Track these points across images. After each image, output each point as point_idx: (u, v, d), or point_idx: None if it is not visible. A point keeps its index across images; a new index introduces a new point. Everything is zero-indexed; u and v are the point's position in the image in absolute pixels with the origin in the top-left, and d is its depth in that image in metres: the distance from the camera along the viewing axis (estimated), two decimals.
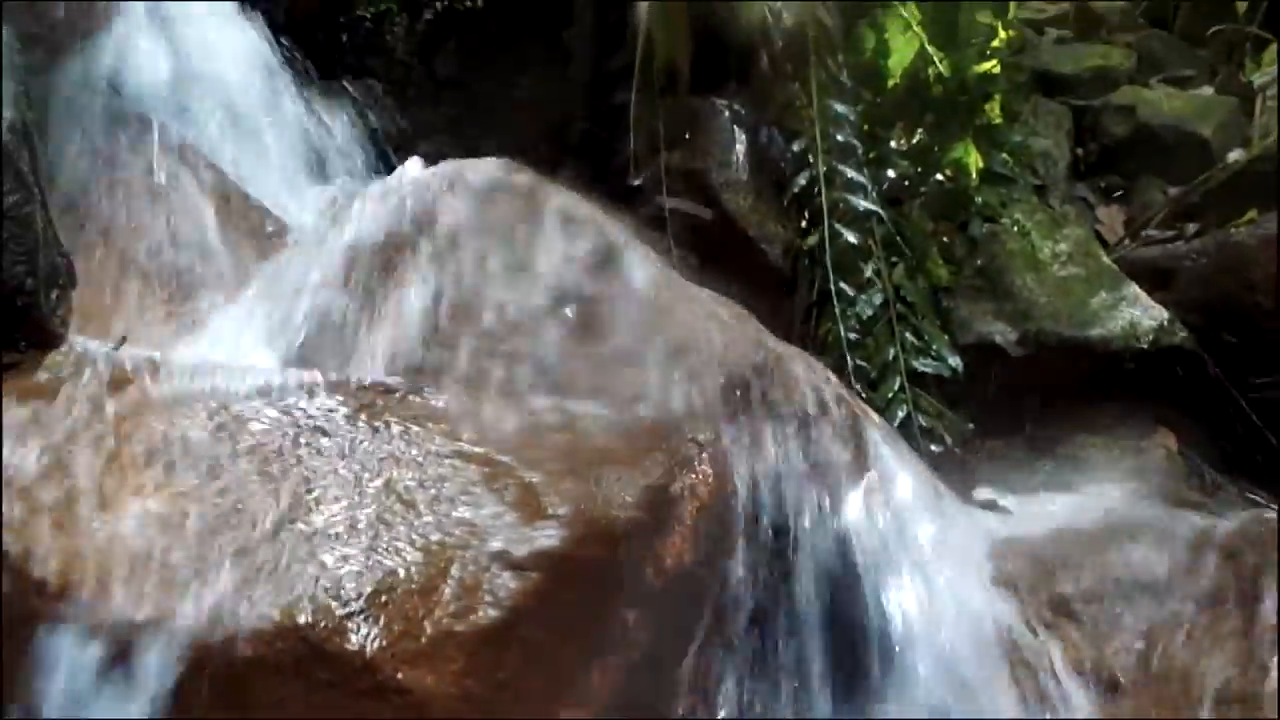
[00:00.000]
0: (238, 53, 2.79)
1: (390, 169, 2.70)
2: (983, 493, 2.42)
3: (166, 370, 1.75)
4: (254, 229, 2.47)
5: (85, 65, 2.41)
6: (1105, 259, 3.06)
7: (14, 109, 1.72)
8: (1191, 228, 3.37)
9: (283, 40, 2.93)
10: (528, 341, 1.95)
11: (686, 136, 2.68)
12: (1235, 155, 3.62)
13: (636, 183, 2.61)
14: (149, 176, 2.43)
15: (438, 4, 3.00)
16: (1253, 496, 2.68)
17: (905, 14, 2.68)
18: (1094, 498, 2.44)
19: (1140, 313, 2.84)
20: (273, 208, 2.57)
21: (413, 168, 2.20)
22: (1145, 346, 2.80)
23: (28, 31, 2.12)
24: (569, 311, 2.00)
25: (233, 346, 2.01)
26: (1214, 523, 2.13)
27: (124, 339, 1.87)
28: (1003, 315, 2.85)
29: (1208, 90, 4.15)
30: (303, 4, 3.05)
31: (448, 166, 2.14)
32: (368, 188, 2.50)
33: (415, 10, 3.01)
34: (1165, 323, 2.82)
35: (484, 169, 2.12)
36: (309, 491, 1.55)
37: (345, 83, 3.03)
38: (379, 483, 1.57)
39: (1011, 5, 3.60)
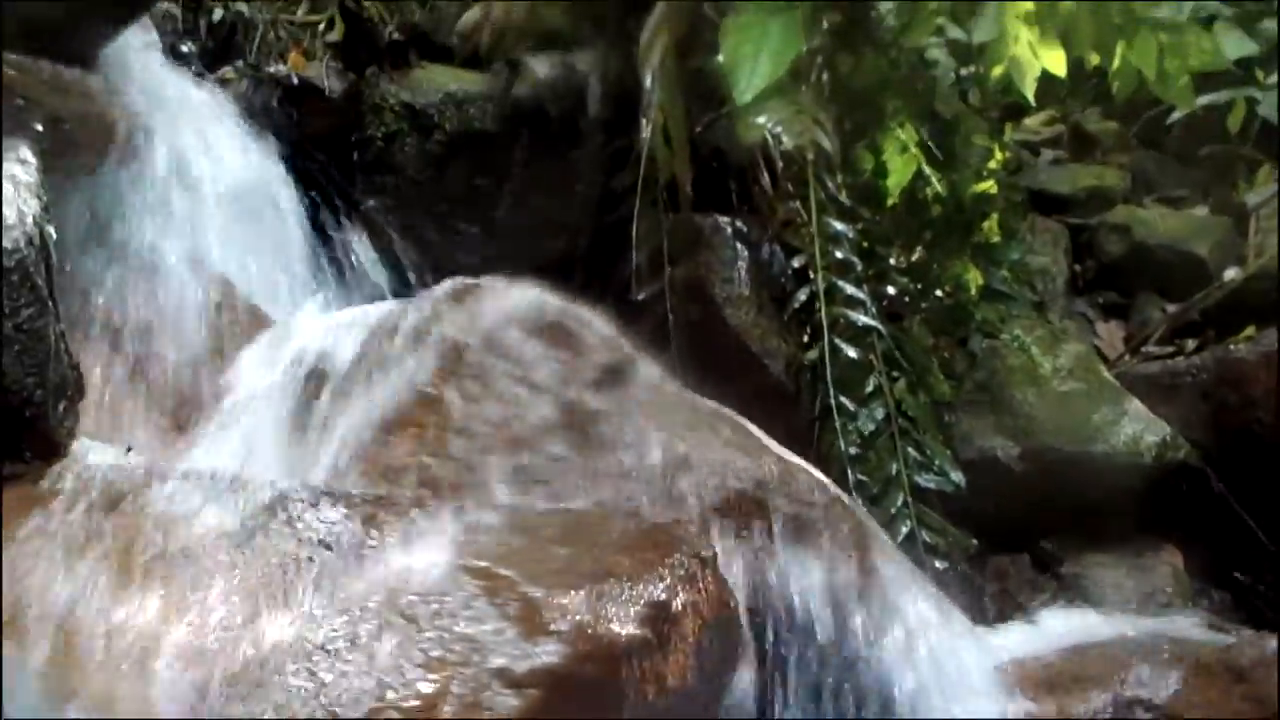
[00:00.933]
0: (250, 170, 2.86)
1: (400, 285, 2.76)
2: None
3: (169, 481, 1.75)
4: (260, 343, 2.49)
5: (103, 180, 2.47)
6: (1106, 374, 3.08)
7: (34, 224, 1.75)
8: (1191, 344, 3.40)
9: (295, 159, 3.01)
10: (531, 454, 1.96)
11: (690, 252, 2.72)
12: (1232, 273, 3.67)
13: (641, 297, 2.64)
14: (159, 288, 2.47)
15: (448, 125, 3.07)
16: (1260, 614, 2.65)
17: (903, 136, 2.75)
18: (1103, 617, 2.42)
19: (1142, 428, 2.84)
20: (281, 322, 2.60)
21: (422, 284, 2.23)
22: (1149, 462, 2.79)
23: (47, 148, 2.18)
24: (573, 425, 2.01)
25: (235, 457, 2.02)
26: (1224, 643, 2.10)
27: (129, 449, 1.88)
28: (1004, 430, 2.86)
29: (1202, 210, 4.23)
30: (315, 124, 3.13)
31: (455, 282, 2.18)
32: (375, 303, 2.54)
33: (426, 131, 3.09)
34: (1168, 438, 2.83)
35: (491, 284, 2.15)
36: (310, 605, 1.54)
37: (356, 200, 3.10)
38: (380, 597, 1.56)
39: (1007, 127, 3.71)
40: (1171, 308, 3.67)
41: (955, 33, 3.61)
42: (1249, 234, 3.96)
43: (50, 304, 1.78)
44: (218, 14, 3.54)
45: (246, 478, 1.85)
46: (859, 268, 2.62)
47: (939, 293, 2.82)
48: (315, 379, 2.12)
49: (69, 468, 1.74)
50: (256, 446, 2.03)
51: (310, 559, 1.63)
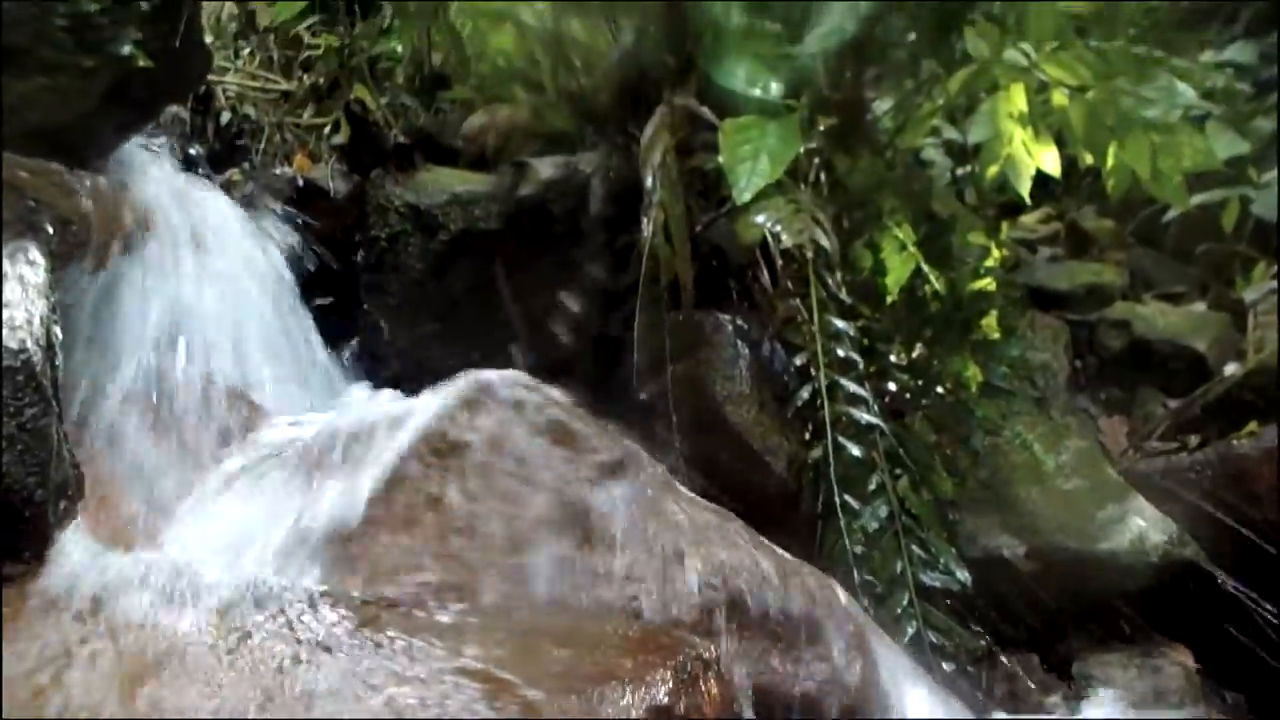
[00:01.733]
0: (254, 269, 2.89)
1: (402, 383, 2.76)
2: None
3: (165, 580, 1.74)
4: (260, 442, 2.49)
5: (109, 278, 2.49)
6: (1110, 471, 3.07)
7: (41, 324, 1.77)
8: (1194, 440, 3.39)
9: (299, 259, 3.05)
10: (532, 553, 1.94)
11: (691, 350, 2.73)
12: (1232, 369, 3.68)
13: (642, 395, 2.64)
14: (161, 381, 2.48)
15: (453, 225, 3.11)
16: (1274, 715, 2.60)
17: (900, 234, 2.77)
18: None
19: (1148, 526, 2.82)
20: (282, 418, 2.61)
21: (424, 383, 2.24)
22: (1156, 561, 2.77)
23: (56, 249, 2.21)
24: (574, 523, 2.00)
25: (232, 550, 2.01)
26: None
27: (127, 548, 1.87)
28: (1009, 528, 2.84)
29: (1200, 306, 4.25)
30: (319, 225, 3.17)
31: (457, 380, 2.18)
32: (377, 401, 2.55)
33: (431, 231, 3.13)
34: (1174, 536, 2.80)
35: (492, 383, 2.16)
36: (309, 709, 1.52)
37: (359, 299, 3.13)
38: (380, 700, 1.54)
39: (1004, 225, 3.75)
40: (1173, 403, 3.67)
41: (951, 133, 3.69)
42: (1248, 329, 3.98)
43: (54, 403, 1.78)
44: (225, 117, 3.61)
45: (242, 575, 1.83)
46: (860, 365, 2.63)
47: (940, 390, 2.82)
48: (315, 475, 2.11)
49: (64, 567, 1.73)
50: (254, 540, 2.01)
51: (309, 661, 1.61)
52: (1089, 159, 3.15)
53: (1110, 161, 3.03)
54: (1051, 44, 2.98)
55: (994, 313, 2.87)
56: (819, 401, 2.56)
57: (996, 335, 2.88)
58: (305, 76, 3.75)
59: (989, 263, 2.90)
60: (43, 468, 1.72)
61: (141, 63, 2.64)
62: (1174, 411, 3.61)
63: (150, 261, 2.59)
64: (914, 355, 2.81)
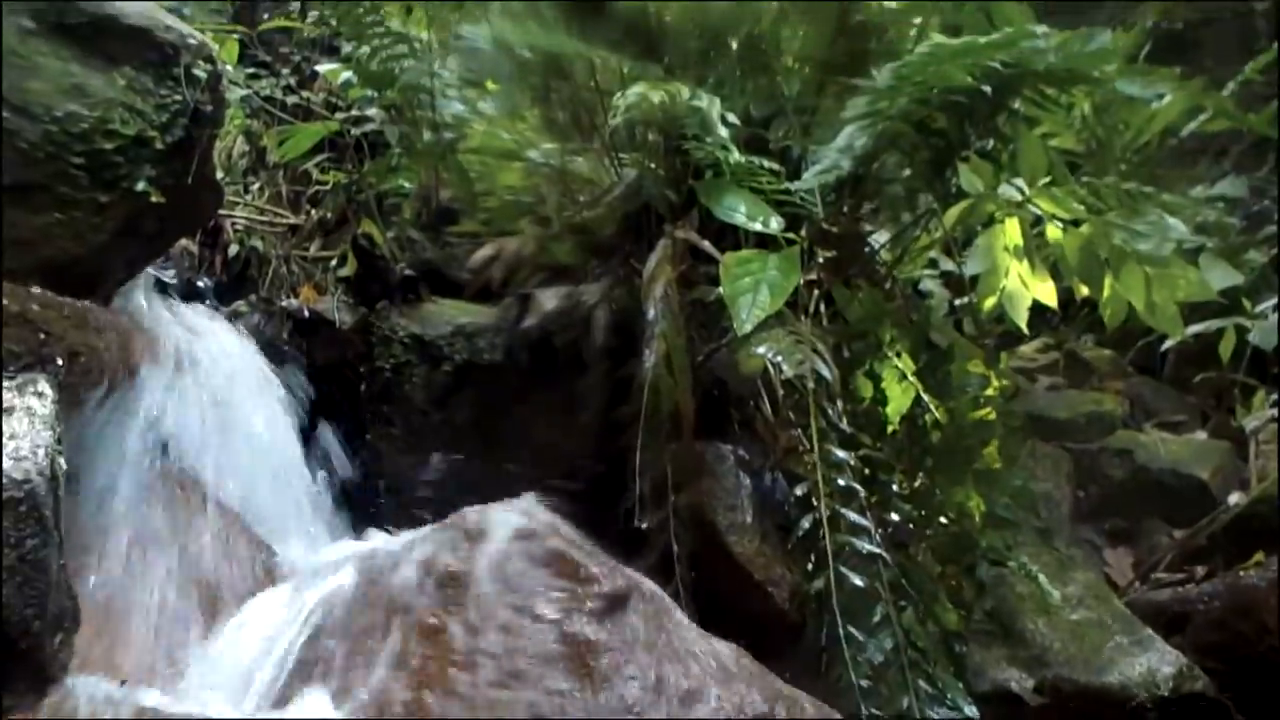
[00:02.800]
0: (259, 400, 2.91)
1: (404, 515, 2.76)
2: None
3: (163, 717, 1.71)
4: (261, 574, 2.48)
5: (117, 410, 2.51)
6: (1117, 602, 3.04)
7: (45, 455, 1.78)
8: (1200, 570, 3.36)
9: (304, 389, 3.07)
10: (532, 689, 1.92)
11: (692, 481, 2.73)
12: (1235, 498, 3.67)
13: (644, 526, 2.63)
14: (162, 513, 2.48)
15: (457, 357, 3.14)
16: None
17: (900, 365, 2.80)
18: None
19: (1157, 658, 2.78)
20: (282, 553, 2.60)
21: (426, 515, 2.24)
22: (1166, 694, 2.72)
23: (64, 380, 2.23)
24: (576, 657, 1.98)
25: (235, 694, 1.98)
26: None
27: (123, 682, 1.85)
28: (1017, 661, 2.80)
29: (1201, 435, 4.26)
30: (324, 356, 3.21)
31: (459, 514, 2.18)
32: (378, 534, 2.54)
33: (435, 362, 3.15)
34: (1184, 669, 2.76)
35: (494, 515, 2.15)
36: None
37: (363, 430, 3.14)
38: None
39: (1002, 355, 3.78)
40: (1178, 533, 3.65)
41: (948, 265, 3.75)
42: (1250, 458, 3.98)
43: (55, 534, 1.78)
44: (233, 249, 3.68)
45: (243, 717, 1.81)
46: (862, 495, 2.62)
47: (943, 520, 2.81)
48: (317, 613, 2.10)
49: (60, 705, 1.71)
50: (255, 682, 1.99)
51: None
52: (1085, 290, 3.20)
53: (1106, 293, 3.08)
54: (1044, 179, 3.06)
55: (995, 442, 2.87)
56: (821, 532, 2.54)
57: (998, 465, 2.88)
58: (313, 211, 3.83)
59: (989, 392, 2.91)
60: (41, 599, 1.71)
61: (155, 199, 2.71)
62: (1180, 542, 3.59)
63: (156, 393, 2.61)
64: (916, 485, 2.81)
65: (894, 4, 3.20)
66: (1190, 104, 3.96)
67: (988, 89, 2.67)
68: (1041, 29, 2.61)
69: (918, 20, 3.07)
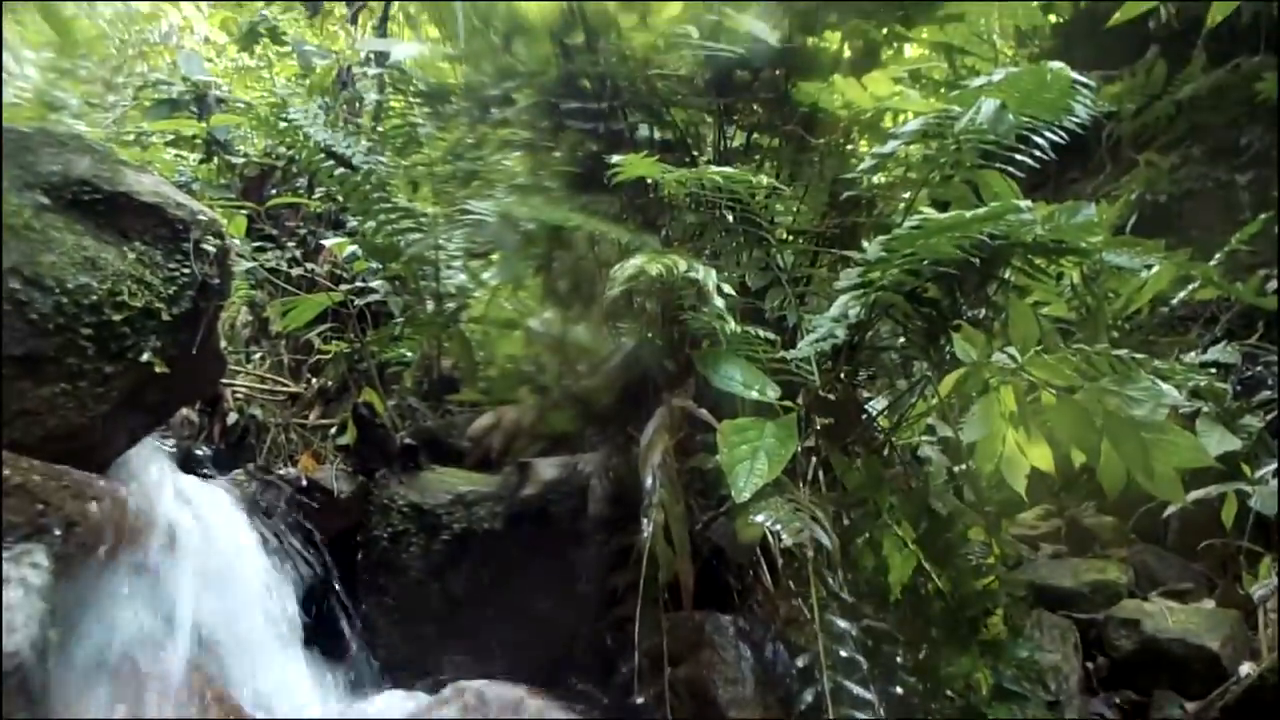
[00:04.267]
0: (255, 570, 2.89)
1: (398, 686, 2.70)
2: None
3: None
4: None
5: (113, 578, 2.49)
6: None
7: (38, 627, 1.76)
8: None
9: (301, 559, 3.05)
10: None
11: (691, 652, 2.68)
12: (1246, 669, 3.59)
13: (641, 700, 2.57)
14: (156, 680, 2.44)
15: (456, 526, 3.13)
16: None
17: (900, 532, 2.78)
18: None
19: None
20: None
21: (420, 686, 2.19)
22: None
23: (61, 550, 2.22)
24: None
25: None
26: None
27: None
28: None
29: (1208, 604, 4.19)
30: (322, 525, 3.19)
31: (453, 688, 2.14)
32: (373, 704, 2.49)
33: (433, 531, 3.14)
34: None
35: (485, 693, 2.11)
36: None
37: (359, 599, 3.10)
38: None
39: (1003, 523, 3.76)
40: (1191, 706, 3.56)
41: (946, 431, 3.76)
42: (1259, 627, 3.91)
43: (41, 707, 1.75)
44: (232, 418, 3.70)
45: None
46: (864, 667, 2.57)
47: (949, 692, 2.74)
48: None
49: None
50: None
51: None
52: (1083, 457, 3.20)
53: (1104, 459, 3.08)
54: (1036, 347, 3.09)
55: (999, 612, 2.83)
56: (824, 705, 2.48)
57: (1003, 635, 2.83)
58: (314, 380, 3.87)
59: (991, 560, 2.89)
60: None
61: (159, 369, 2.74)
62: (1193, 715, 3.50)
63: (152, 562, 2.59)
64: (920, 656, 2.75)
65: (883, 179, 3.30)
66: (1179, 273, 4.03)
67: (977, 260, 2.73)
68: (1026, 203, 2.68)
69: (906, 194, 3.16)
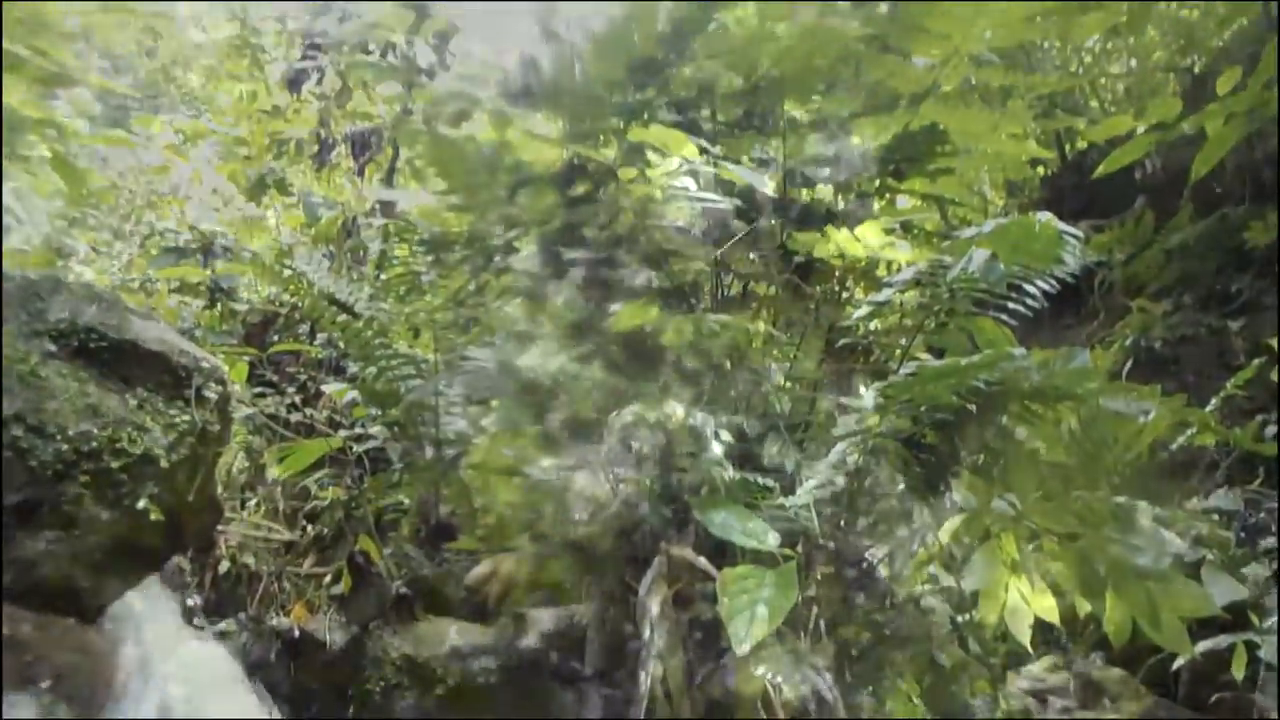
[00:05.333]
0: None
1: None
2: None
3: None
4: None
5: None
6: None
7: None
8: None
9: (289, 711, 2.97)
10: None
11: None
12: None
13: None
14: None
15: (450, 679, 3.06)
16: None
17: (904, 687, 2.73)
18: None
19: None
20: None
21: None
22: None
23: (49, 701, 2.17)
24: None
25: None
26: None
27: None
28: None
29: None
30: (312, 677, 3.12)
31: None
32: None
33: (426, 684, 3.07)
34: None
35: None
36: None
37: None
38: None
39: (1010, 675, 3.68)
40: None
41: (948, 580, 3.71)
42: None
43: None
44: (224, 566, 3.65)
45: None
46: None
47: None
48: None
49: None
50: None
51: None
52: (1088, 606, 3.15)
53: (1109, 609, 3.04)
54: (1036, 494, 3.08)
55: None
56: None
57: None
58: (309, 527, 3.83)
59: (998, 714, 2.82)
60: None
61: (155, 516, 2.73)
62: None
63: (141, 712, 2.53)
64: None
65: (878, 325, 3.34)
66: (1176, 419, 4.05)
67: (974, 407, 2.74)
68: (1020, 350, 2.71)
69: (902, 341, 3.19)
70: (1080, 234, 2.80)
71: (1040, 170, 6.93)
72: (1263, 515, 4.79)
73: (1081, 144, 6.79)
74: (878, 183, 3.72)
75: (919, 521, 3.15)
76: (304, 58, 5.72)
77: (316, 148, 5.56)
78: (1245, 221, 5.71)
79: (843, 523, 3.06)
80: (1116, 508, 2.96)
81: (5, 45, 3.50)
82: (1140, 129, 5.24)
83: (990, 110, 4.42)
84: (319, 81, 5.64)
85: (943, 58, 3.75)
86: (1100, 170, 5.29)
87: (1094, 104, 6.92)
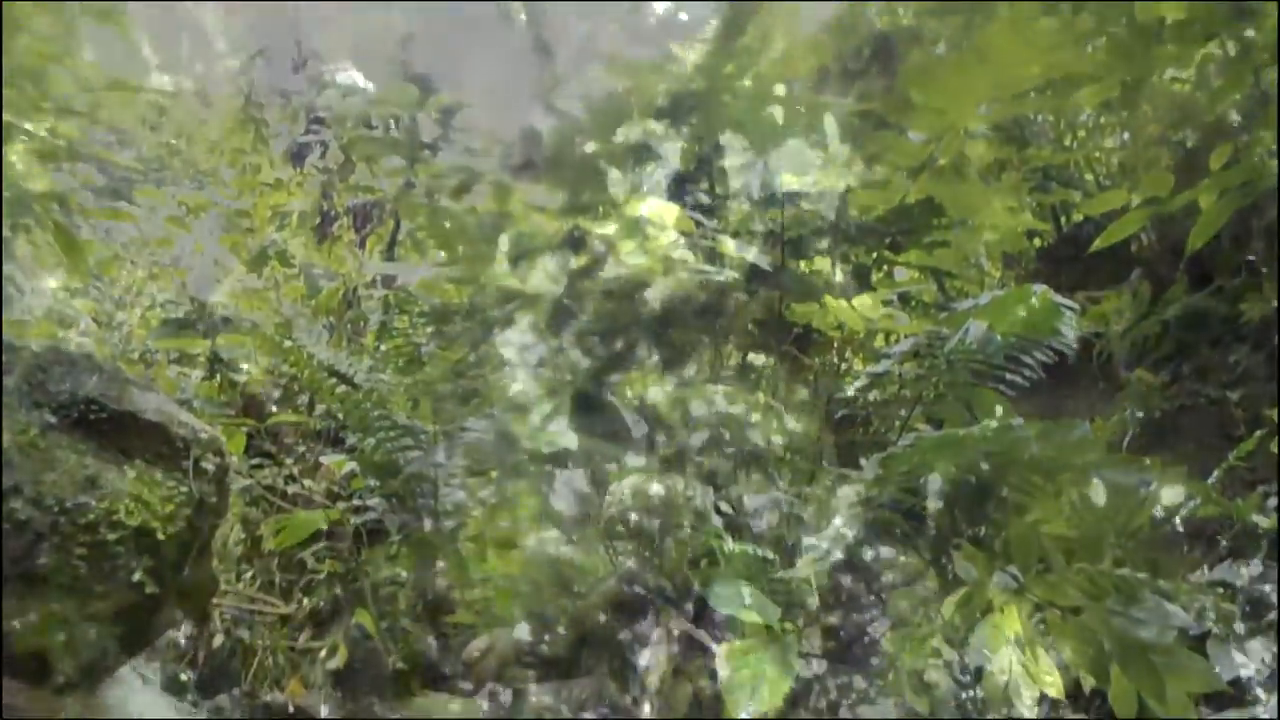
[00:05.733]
0: None
1: None
2: None
3: None
4: None
5: None
6: None
7: None
8: None
9: None
10: None
11: None
12: None
13: None
14: None
15: None
16: None
17: None
18: None
19: None
20: None
21: None
22: None
23: None
24: None
25: None
26: None
27: None
28: None
29: None
30: None
31: None
32: None
33: None
34: None
35: None
36: None
37: None
38: None
39: None
40: None
41: (951, 654, 3.67)
42: None
43: None
44: (218, 639, 3.61)
45: None
46: None
47: None
48: None
49: None
50: None
51: None
52: (1093, 681, 3.11)
53: (1114, 683, 3.00)
54: (1038, 566, 3.06)
55: None
56: None
57: None
58: (306, 600, 3.79)
59: None
60: None
61: (150, 589, 2.70)
62: None
63: None
64: None
65: (877, 396, 3.34)
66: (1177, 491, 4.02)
67: (973, 479, 2.74)
68: (1019, 421, 2.71)
69: (901, 412, 3.20)
70: (1076, 306, 2.82)
71: (1037, 242, 6.97)
72: (1266, 588, 4.75)
73: (1077, 216, 6.84)
74: (875, 255, 3.75)
75: (921, 595, 3.12)
76: (307, 132, 5.79)
77: (318, 220, 5.61)
78: (1241, 293, 5.73)
79: (844, 596, 3.04)
80: (1120, 580, 2.93)
81: (7, 119, 3.55)
82: (1135, 201, 5.28)
83: (985, 183, 4.47)
84: (322, 155, 5.71)
85: (938, 133, 3.81)
86: (1096, 245, 5.33)
87: (1089, 176, 6.97)
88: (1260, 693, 3.88)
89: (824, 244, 3.60)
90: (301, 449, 4.39)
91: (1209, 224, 5.07)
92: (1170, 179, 5.19)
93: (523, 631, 3.17)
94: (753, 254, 3.40)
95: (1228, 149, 5.07)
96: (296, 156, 5.73)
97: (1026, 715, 3.00)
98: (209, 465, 2.89)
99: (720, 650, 2.58)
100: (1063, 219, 7.12)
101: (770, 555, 2.80)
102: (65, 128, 3.69)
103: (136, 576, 2.68)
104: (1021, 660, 3.01)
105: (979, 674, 3.20)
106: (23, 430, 2.63)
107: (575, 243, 3.37)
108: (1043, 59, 3.92)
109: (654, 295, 3.28)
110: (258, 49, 6.35)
